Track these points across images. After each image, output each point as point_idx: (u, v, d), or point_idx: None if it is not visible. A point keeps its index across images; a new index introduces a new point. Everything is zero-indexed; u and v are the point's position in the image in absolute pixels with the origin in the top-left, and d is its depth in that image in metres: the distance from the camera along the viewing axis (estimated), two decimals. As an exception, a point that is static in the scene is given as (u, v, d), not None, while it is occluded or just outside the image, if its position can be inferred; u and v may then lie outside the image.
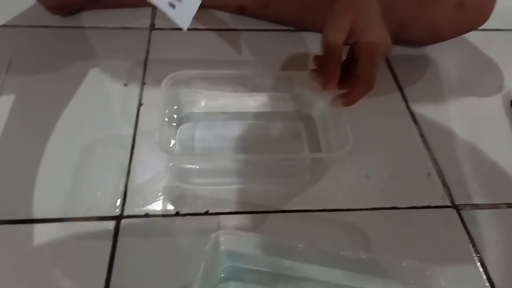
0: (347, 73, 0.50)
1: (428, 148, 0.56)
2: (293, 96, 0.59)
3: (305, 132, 0.56)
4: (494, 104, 0.64)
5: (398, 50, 0.68)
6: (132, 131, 0.55)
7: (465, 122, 0.60)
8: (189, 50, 0.67)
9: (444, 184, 0.53)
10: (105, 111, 0.57)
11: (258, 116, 0.58)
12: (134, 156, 0.52)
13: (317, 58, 0.53)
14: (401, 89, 0.64)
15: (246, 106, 0.58)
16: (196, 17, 0.74)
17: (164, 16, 0.74)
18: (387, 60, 0.69)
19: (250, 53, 0.68)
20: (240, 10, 0.72)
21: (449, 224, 0.49)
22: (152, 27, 0.71)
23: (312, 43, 0.70)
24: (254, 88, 0.57)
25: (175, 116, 0.55)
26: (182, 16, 0.44)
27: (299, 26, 0.71)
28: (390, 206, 0.50)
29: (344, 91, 0.50)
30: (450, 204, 0.51)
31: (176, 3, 0.44)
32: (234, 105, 0.58)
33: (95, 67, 0.63)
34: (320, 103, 0.56)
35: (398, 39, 0.64)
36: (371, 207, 0.50)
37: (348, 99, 0.50)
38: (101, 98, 0.59)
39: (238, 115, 0.58)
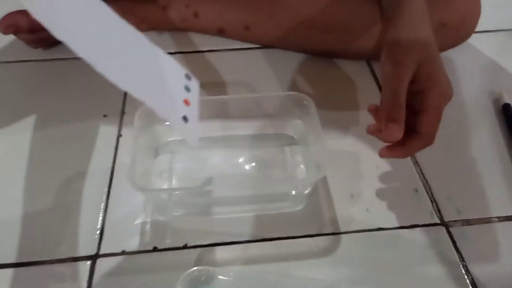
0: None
1: (416, 162, 0.54)
2: (276, 117, 0.57)
3: (288, 154, 0.54)
4: (484, 110, 0.61)
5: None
6: (110, 164, 0.54)
7: (454, 132, 0.58)
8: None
9: (433, 200, 0.51)
10: (84, 144, 0.57)
11: (239, 141, 0.56)
12: (112, 190, 0.51)
13: (375, 107, 0.45)
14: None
15: (227, 131, 0.57)
16: (176, 40, 0.75)
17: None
18: (371, 71, 0.67)
19: (232, 74, 0.67)
20: (220, 33, 0.72)
21: (438, 243, 0.47)
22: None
23: (297, 61, 0.69)
24: (236, 112, 0.56)
25: (152, 146, 0.54)
26: (193, 133, 0.40)
27: (282, 47, 0.70)
28: (376, 227, 0.48)
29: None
30: (439, 221, 0.49)
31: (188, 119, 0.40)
32: (215, 131, 0.57)
33: (75, 99, 0.62)
34: (300, 125, 0.55)
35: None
36: (355, 229, 0.48)
37: (402, 152, 0.43)
38: (80, 130, 0.58)
39: (219, 141, 0.56)
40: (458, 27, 0.63)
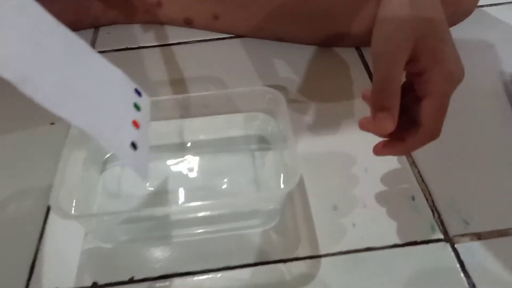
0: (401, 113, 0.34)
1: (412, 163, 0.45)
2: (245, 116, 0.48)
3: (258, 160, 0.46)
4: (494, 95, 0.52)
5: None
6: (50, 181, 0.46)
7: (458, 125, 0.48)
8: (131, 71, 0.58)
9: (434, 209, 0.41)
10: (25, 156, 0.49)
11: (203, 147, 0.48)
12: (50, 214, 0.43)
13: (368, 93, 0.37)
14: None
15: (189, 136, 0.49)
16: (139, 33, 0.66)
17: (106, 37, 0.67)
18: (361, 58, 0.58)
19: (201, 68, 0.58)
20: (187, 23, 0.63)
21: (441, 263, 0.38)
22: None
23: (274, 50, 0.60)
24: (200, 111, 0.48)
25: (98, 159, 0.46)
26: (142, 162, 0.35)
27: (256, 37, 0.62)
28: (364, 247, 0.39)
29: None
30: (442, 237, 0.39)
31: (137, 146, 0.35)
32: (175, 136, 0.48)
33: (20, 105, 0.55)
34: (272, 124, 0.46)
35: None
36: (339, 251, 0.39)
37: (401, 148, 0.35)
38: (23, 139, 0.51)
39: (179, 148, 0.48)
40: (456, 2, 0.54)
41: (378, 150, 0.36)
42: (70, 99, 0.30)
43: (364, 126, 0.36)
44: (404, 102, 0.34)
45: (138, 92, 0.41)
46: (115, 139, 0.33)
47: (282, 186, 0.43)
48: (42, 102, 0.27)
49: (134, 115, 0.38)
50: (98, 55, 0.36)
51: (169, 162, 0.46)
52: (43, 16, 0.31)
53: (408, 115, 0.35)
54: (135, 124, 0.37)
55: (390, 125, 0.33)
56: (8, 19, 0.27)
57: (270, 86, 0.54)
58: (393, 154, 0.36)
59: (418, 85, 0.34)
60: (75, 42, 0.34)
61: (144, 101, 0.41)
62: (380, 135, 0.36)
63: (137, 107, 0.39)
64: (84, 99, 0.32)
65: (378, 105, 0.33)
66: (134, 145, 0.35)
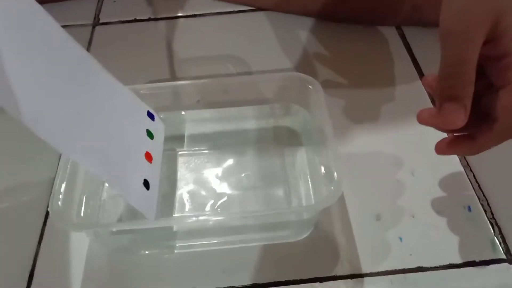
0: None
1: (467, 165, 0.39)
2: (273, 107, 0.42)
3: (289, 159, 0.40)
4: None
5: (417, 32, 0.51)
6: (53, 173, 0.40)
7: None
8: (138, 47, 0.52)
9: (493, 222, 0.36)
10: (29, 145, 0.43)
11: (224, 139, 0.42)
12: (48, 221, 0.38)
13: (433, 79, 0.31)
14: (422, 76, 0.46)
15: (206, 127, 0.43)
16: (148, 4, 0.59)
17: (111, 6, 0.60)
18: (402, 37, 0.51)
19: (219, 46, 0.52)
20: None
21: (505, 289, 0.33)
22: (97, 22, 0.55)
23: (302, 27, 0.53)
24: (220, 99, 0.41)
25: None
26: (151, 201, 0.32)
27: (282, 11, 0.54)
28: (414, 266, 0.34)
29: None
30: (504, 256, 0.34)
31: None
32: (189, 125, 0.43)
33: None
34: (305, 116, 0.40)
35: (414, 21, 0.50)
36: (384, 270, 0.34)
37: (472, 146, 0.30)
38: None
39: (195, 139, 0.42)
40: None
41: (443, 149, 0.31)
42: (80, 140, 0.28)
43: (425, 119, 0.30)
44: (475, 91, 0.27)
45: (150, 115, 0.37)
46: (128, 183, 0.31)
47: (312, 190, 0.37)
48: (54, 145, 0.26)
49: (147, 146, 0.35)
50: (108, 74, 0.33)
51: (184, 156, 0.40)
52: (52, 29, 0.28)
53: (479, 107, 0.29)
54: (148, 157, 0.34)
55: (460, 119, 0.27)
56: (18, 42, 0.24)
57: (297, 67, 0.48)
58: (461, 154, 0.31)
59: (495, 71, 0.28)
60: (84, 60, 0.31)
61: (157, 126, 0.37)
62: (446, 131, 0.31)
63: (150, 134, 0.36)
64: (95, 138, 0.29)
65: (447, 95, 0.27)
66: (146, 184, 0.32)
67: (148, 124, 0.36)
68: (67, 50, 0.29)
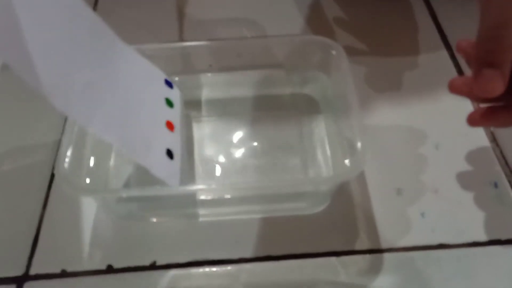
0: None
1: (493, 140, 0.37)
2: (291, 72, 0.40)
3: (307, 128, 0.38)
4: None
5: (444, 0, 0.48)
6: (59, 136, 0.38)
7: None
8: (148, 8, 0.49)
9: (521, 200, 0.34)
10: (32, 106, 0.41)
11: (237, 106, 0.40)
12: (53, 185, 0.36)
13: (468, 44, 0.29)
14: (448, 46, 0.44)
15: (220, 92, 0.40)
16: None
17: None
18: (429, 8, 0.48)
19: (233, 8, 0.49)
20: None
21: (532, 269, 0.31)
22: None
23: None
24: (234, 62, 0.39)
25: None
26: (175, 170, 0.31)
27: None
28: (436, 243, 0.32)
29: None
30: (531, 236, 0.32)
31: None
32: (200, 90, 0.40)
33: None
34: (326, 83, 0.38)
35: None
36: (404, 246, 0.32)
37: (508, 118, 0.28)
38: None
39: (209, 108, 0.40)
40: None
41: (476, 120, 0.29)
42: (99, 112, 0.27)
43: (458, 87, 0.28)
44: None
45: (168, 83, 0.36)
46: (151, 154, 0.29)
47: (332, 161, 0.35)
48: (72, 117, 0.26)
49: (167, 114, 0.33)
50: (123, 43, 0.31)
51: (195, 123, 0.38)
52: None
53: None
54: (169, 126, 0.33)
55: (499, 86, 0.25)
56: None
57: (316, 32, 0.45)
58: (496, 126, 0.29)
59: None
60: (100, 30, 0.29)
61: (175, 94, 0.36)
62: (480, 100, 0.29)
63: (169, 103, 0.34)
64: (113, 109, 0.28)
65: (485, 60, 0.25)
66: (170, 153, 0.31)
67: (167, 92, 0.35)
68: (83, 18, 0.27)
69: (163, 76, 0.35)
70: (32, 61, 0.22)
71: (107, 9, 0.49)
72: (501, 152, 0.36)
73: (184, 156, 0.32)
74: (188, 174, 0.35)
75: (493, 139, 0.37)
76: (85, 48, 0.27)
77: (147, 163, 0.29)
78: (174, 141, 0.32)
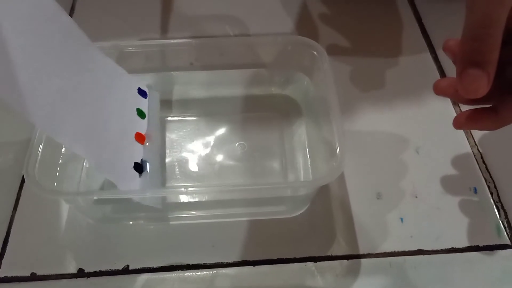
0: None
1: (475, 145, 0.37)
2: (273, 73, 0.39)
3: (287, 130, 0.37)
4: None
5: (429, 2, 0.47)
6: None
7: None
8: (128, 3, 0.48)
9: (500, 206, 0.34)
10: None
11: (219, 105, 0.39)
12: (24, 186, 0.35)
13: (455, 43, 0.28)
14: (432, 48, 0.44)
15: (201, 90, 0.40)
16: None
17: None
18: (413, 8, 0.48)
19: (209, 3, 0.48)
20: None
21: (508, 275, 0.31)
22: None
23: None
24: (215, 61, 0.38)
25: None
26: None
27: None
28: (415, 249, 0.32)
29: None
30: (509, 242, 0.32)
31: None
32: (181, 89, 0.40)
33: None
34: (307, 85, 0.37)
35: None
36: (383, 251, 0.32)
37: (493, 120, 0.27)
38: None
39: (188, 105, 0.39)
40: None
41: (461, 123, 0.28)
42: (68, 122, 0.26)
43: (443, 88, 0.28)
44: (499, 59, 0.25)
45: (142, 92, 0.35)
46: (117, 168, 0.29)
47: (311, 164, 0.35)
48: (40, 127, 0.25)
49: (138, 126, 0.33)
50: (97, 49, 0.30)
51: (174, 122, 0.38)
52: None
53: (502, 77, 0.26)
54: (139, 138, 0.32)
55: (483, 86, 0.24)
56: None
57: (300, 31, 0.45)
58: (481, 128, 0.28)
59: None
60: (74, 35, 0.28)
61: (153, 100, 0.35)
62: (465, 101, 0.28)
63: (141, 114, 0.33)
64: (83, 121, 0.27)
65: (470, 59, 0.24)
66: (138, 167, 0.30)
67: (139, 102, 0.34)
68: (57, 23, 0.26)
69: (136, 85, 0.35)
70: None
71: (89, 4, 0.47)
72: (482, 157, 0.36)
73: (155, 170, 0.32)
74: (164, 175, 0.34)
75: (474, 143, 0.37)
76: (58, 54, 0.26)
77: (114, 178, 0.28)
78: (143, 154, 0.31)
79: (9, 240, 0.32)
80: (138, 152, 0.31)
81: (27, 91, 0.23)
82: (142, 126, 0.33)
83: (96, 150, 0.27)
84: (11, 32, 0.22)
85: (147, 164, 0.31)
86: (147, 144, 0.32)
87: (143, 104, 0.34)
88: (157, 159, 0.33)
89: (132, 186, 0.29)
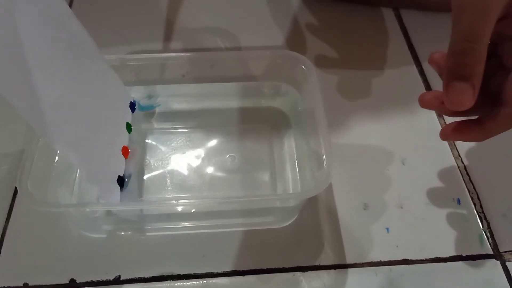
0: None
1: (458, 156, 0.38)
2: (262, 86, 0.40)
3: (276, 142, 0.38)
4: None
5: (414, 15, 0.49)
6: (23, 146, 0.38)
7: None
8: (118, 16, 0.49)
9: (483, 217, 0.35)
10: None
11: (209, 117, 0.40)
12: (17, 197, 0.35)
13: (440, 56, 0.29)
14: (417, 61, 0.45)
15: (192, 103, 0.40)
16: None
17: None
18: (398, 19, 0.49)
19: (201, 15, 0.49)
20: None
21: (490, 285, 0.32)
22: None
23: (297, 3, 0.50)
24: (204, 72, 0.39)
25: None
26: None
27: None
28: (400, 258, 0.33)
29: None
30: (491, 252, 0.33)
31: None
32: (173, 101, 0.40)
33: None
34: (296, 98, 0.38)
35: (412, 4, 0.48)
36: (369, 261, 0.33)
37: (479, 132, 0.27)
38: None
39: (178, 117, 0.40)
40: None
41: (448, 134, 0.29)
42: (65, 128, 0.26)
43: (429, 101, 0.29)
44: (484, 72, 0.26)
45: (132, 106, 0.36)
46: (103, 180, 0.29)
47: (299, 176, 0.35)
48: (39, 131, 0.25)
49: (125, 140, 0.34)
50: (101, 58, 0.31)
51: (165, 134, 0.38)
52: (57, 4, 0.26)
53: (487, 89, 0.27)
54: (125, 152, 0.33)
55: (469, 99, 0.25)
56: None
57: (290, 44, 0.46)
58: (467, 140, 0.29)
59: (507, 51, 0.26)
60: (81, 41, 0.29)
61: (137, 117, 0.37)
62: (451, 114, 0.29)
63: (129, 128, 0.35)
64: (78, 128, 0.27)
65: (455, 73, 0.25)
66: (120, 181, 0.31)
67: (128, 116, 0.35)
68: (66, 27, 0.27)
69: (129, 99, 0.35)
70: (5, 70, 0.21)
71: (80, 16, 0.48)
72: (466, 168, 0.37)
73: (134, 183, 0.33)
74: (150, 187, 0.35)
75: (458, 155, 0.38)
76: (63, 60, 0.26)
77: (100, 189, 0.29)
78: (126, 168, 0.32)
79: (1, 250, 0.33)
80: (121, 166, 0.31)
81: (29, 92, 0.23)
82: (127, 140, 0.34)
83: (88, 159, 0.28)
84: (22, 33, 0.22)
85: (130, 178, 0.32)
86: (129, 158, 0.33)
87: (132, 117, 0.35)
88: (135, 173, 0.34)
89: (114, 199, 0.30)
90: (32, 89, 0.23)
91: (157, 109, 0.39)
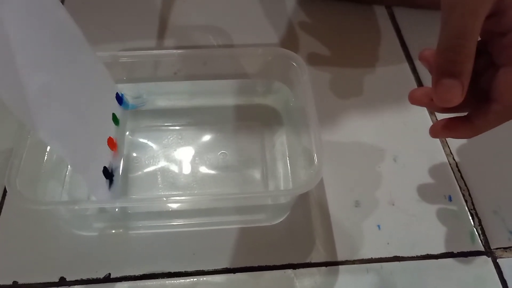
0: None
1: (450, 154, 0.38)
2: (254, 83, 0.40)
3: (268, 140, 0.38)
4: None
5: (406, 13, 0.49)
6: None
7: None
8: (111, 15, 0.49)
9: (474, 213, 0.35)
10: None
11: (198, 114, 0.40)
12: (7, 195, 0.35)
13: (430, 54, 0.29)
14: (410, 59, 0.45)
15: (183, 101, 0.40)
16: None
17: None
18: (391, 16, 0.49)
19: (193, 13, 0.49)
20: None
21: (480, 281, 0.32)
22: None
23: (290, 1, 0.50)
24: (199, 71, 0.39)
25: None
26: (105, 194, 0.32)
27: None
28: (391, 255, 0.33)
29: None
30: (482, 249, 0.33)
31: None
32: (164, 98, 0.40)
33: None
34: (288, 95, 0.38)
35: (405, 2, 0.48)
36: (360, 258, 0.33)
37: (468, 129, 0.28)
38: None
39: (170, 114, 0.40)
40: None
41: (437, 132, 0.29)
42: (49, 117, 0.26)
43: (418, 98, 0.29)
44: (473, 69, 0.26)
45: (118, 98, 0.36)
46: (89, 170, 0.29)
47: (291, 173, 0.35)
48: (23, 119, 0.24)
49: (111, 131, 0.34)
50: (89, 48, 0.31)
51: (156, 131, 0.38)
52: None
53: (476, 87, 0.27)
54: (111, 143, 0.33)
55: (457, 95, 0.25)
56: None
57: (283, 41, 0.46)
58: (457, 137, 0.29)
59: (497, 48, 0.26)
60: (68, 30, 0.28)
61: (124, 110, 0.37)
62: (440, 110, 0.29)
63: (115, 120, 0.34)
64: (63, 117, 0.27)
65: (445, 70, 0.25)
66: (106, 172, 0.31)
67: (115, 108, 0.35)
68: (52, 15, 0.26)
69: (115, 90, 0.35)
70: None
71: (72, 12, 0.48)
72: (457, 165, 0.37)
73: (118, 177, 0.33)
74: (142, 185, 0.35)
75: (450, 152, 0.38)
76: (49, 48, 0.26)
77: (85, 178, 0.28)
78: (112, 159, 0.32)
79: (-10, 248, 0.32)
80: (106, 157, 0.31)
81: (11, 78, 0.23)
82: (114, 131, 0.33)
83: (72, 148, 0.28)
84: (6, 18, 0.22)
85: (117, 170, 0.32)
86: (116, 151, 0.32)
87: (118, 109, 0.35)
88: (120, 166, 0.34)
89: (99, 189, 0.30)
90: (14, 75, 0.23)
91: (148, 106, 0.39)
